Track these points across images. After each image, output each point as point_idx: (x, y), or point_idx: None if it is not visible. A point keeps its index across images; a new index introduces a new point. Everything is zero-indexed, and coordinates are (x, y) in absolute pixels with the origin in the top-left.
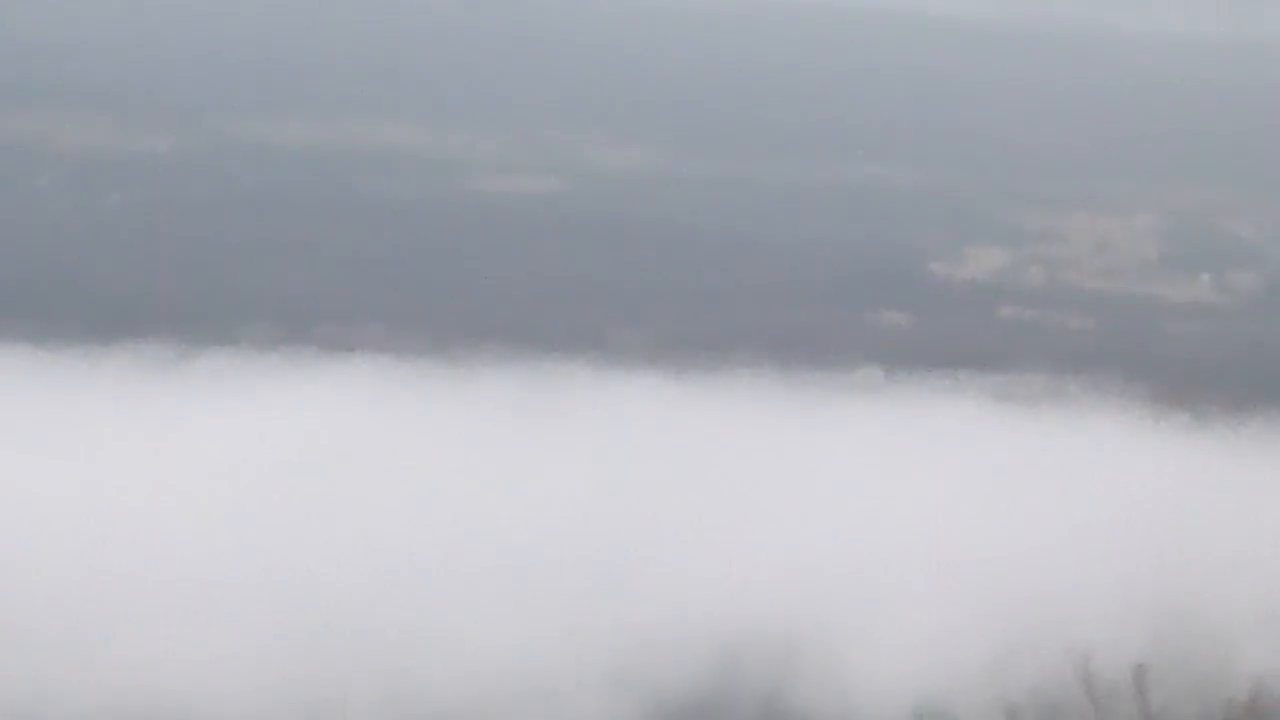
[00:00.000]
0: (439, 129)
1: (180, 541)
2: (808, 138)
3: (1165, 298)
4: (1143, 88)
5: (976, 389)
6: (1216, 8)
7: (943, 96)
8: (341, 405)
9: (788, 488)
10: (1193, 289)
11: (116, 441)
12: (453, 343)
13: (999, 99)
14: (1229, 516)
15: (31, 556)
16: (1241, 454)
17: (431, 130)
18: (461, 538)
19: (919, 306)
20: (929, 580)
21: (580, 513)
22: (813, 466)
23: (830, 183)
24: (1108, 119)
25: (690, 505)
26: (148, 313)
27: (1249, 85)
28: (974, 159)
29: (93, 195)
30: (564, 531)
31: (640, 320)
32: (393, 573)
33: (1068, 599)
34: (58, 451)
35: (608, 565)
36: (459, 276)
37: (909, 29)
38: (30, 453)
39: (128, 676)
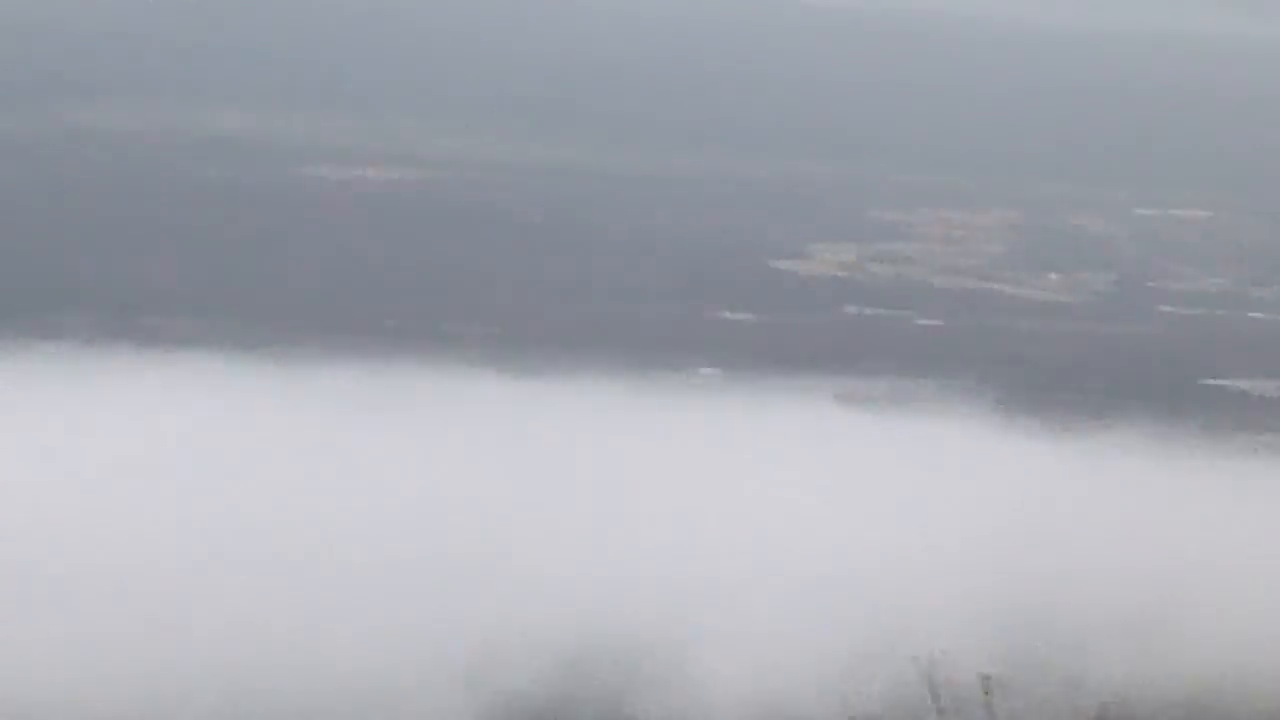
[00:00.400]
0: (280, 116)
1: (19, 536)
2: (654, 129)
3: (1017, 297)
4: (996, 81)
5: (822, 390)
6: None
7: (793, 88)
8: (171, 399)
9: (629, 489)
10: (1045, 288)
11: None
12: (289, 334)
13: (851, 92)
14: (1081, 521)
15: None
16: (1094, 456)
17: (272, 117)
18: (301, 535)
19: (762, 304)
20: (775, 585)
21: (422, 511)
22: (654, 468)
23: (676, 175)
24: (959, 113)
25: (532, 505)
26: None
27: (1105, 78)
28: (822, 152)
29: None
30: (406, 530)
31: (480, 314)
32: (229, 571)
33: (918, 607)
34: None
35: (451, 564)
36: (295, 266)
37: (761, 16)
38: None
39: None
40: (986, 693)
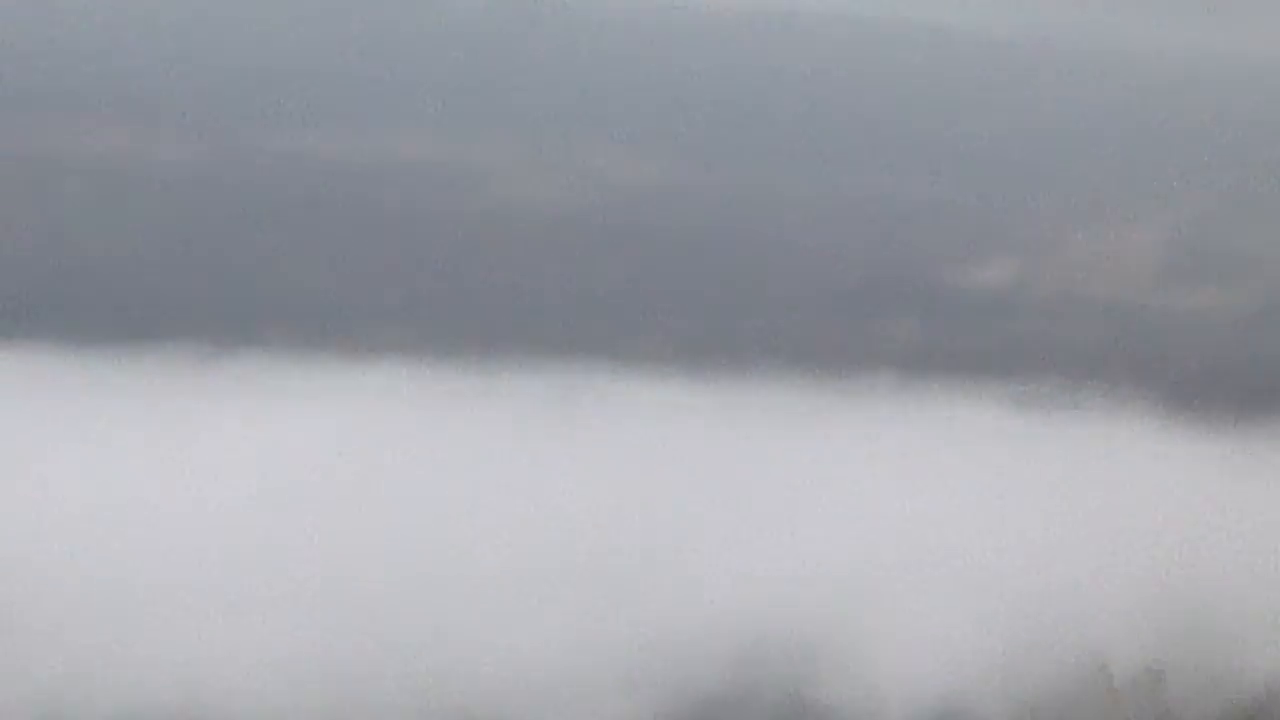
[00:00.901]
0: (461, 140)
1: (207, 543)
2: (821, 149)
3: (1173, 308)
4: (1148, 101)
5: (990, 395)
6: (1224, 22)
7: (953, 110)
8: (365, 409)
9: (804, 491)
10: (1200, 299)
11: (146, 443)
12: (473, 349)
13: (1009, 113)
14: (1239, 520)
15: (62, 557)
16: (1249, 459)
17: (453, 141)
18: (482, 540)
19: (932, 315)
20: (946, 581)
21: (598, 516)
22: (828, 471)
23: (843, 193)
24: (1114, 132)
25: (707, 509)
26: (176, 318)
27: (1251, 98)
28: (984, 172)
29: (121, 202)
30: (582, 534)
31: (656, 328)
32: (415, 575)
33: (1083, 601)
34: (89, 453)
35: (626, 568)
36: (480, 284)
37: (920, 42)
38: (62, 454)
39: (156, 675)
40: (1154, 684)
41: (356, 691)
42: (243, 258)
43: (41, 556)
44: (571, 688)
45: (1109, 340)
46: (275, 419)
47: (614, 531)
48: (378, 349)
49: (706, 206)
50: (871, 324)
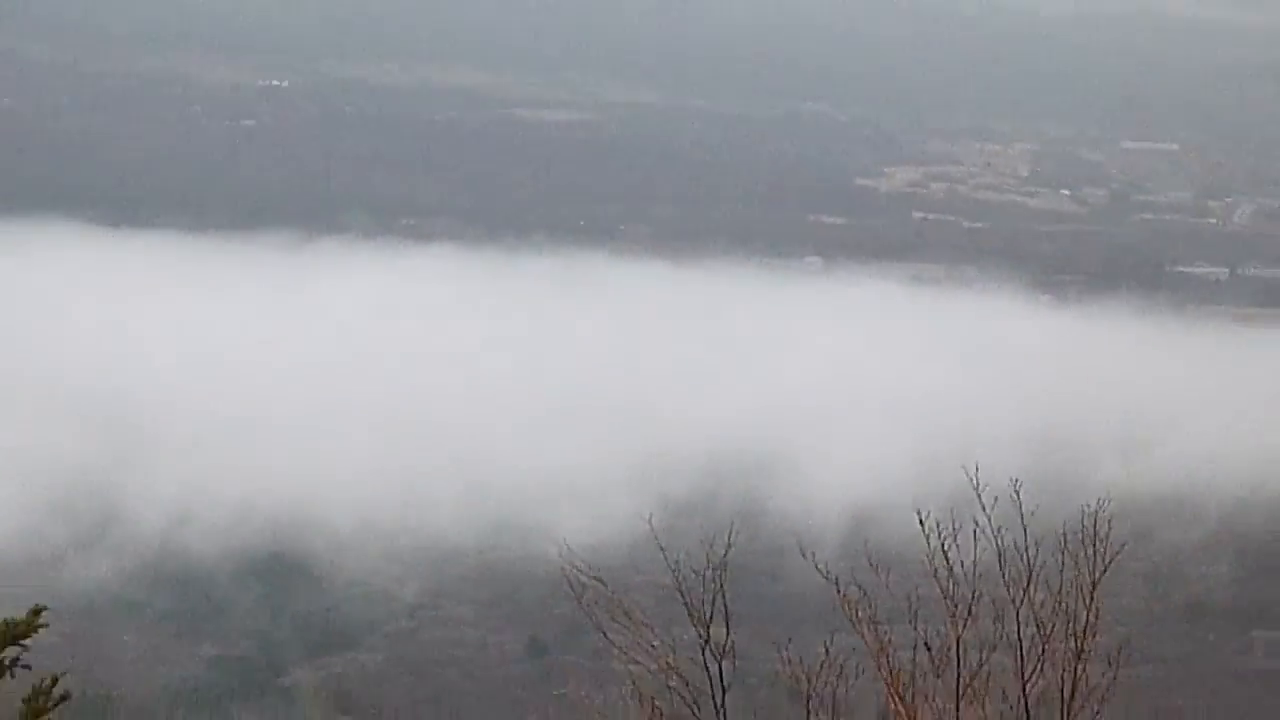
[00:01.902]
0: (493, 71)
1: (303, 382)
2: (771, 82)
3: (1037, 207)
4: (1025, 49)
5: (895, 274)
6: None
7: (869, 48)
8: (421, 279)
9: (756, 347)
10: (1057, 201)
11: (257, 306)
12: (505, 234)
13: (914, 51)
14: (1084, 368)
15: (193, 391)
16: (1092, 323)
17: (486, 72)
18: (514, 379)
19: (850, 211)
20: (864, 414)
21: (603, 362)
22: (775, 331)
23: (783, 116)
24: (997, 73)
25: (682, 360)
26: (276, 211)
27: (1115, 42)
28: (892, 97)
29: (232, 120)
30: (591, 376)
31: (644, 218)
32: (464, 405)
33: (967, 432)
34: (216, 313)
35: (625, 401)
36: (508, 185)
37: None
38: (195, 314)
39: (267, 485)
40: (1017, 492)
41: (423, 489)
42: (324, 164)
43: (177, 391)
44: (584, 488)
45: (988, 232)
46: (352, 289)
47: (615, 373)
48: (427, 235)
49: (683, 125)
50: (805, 218)
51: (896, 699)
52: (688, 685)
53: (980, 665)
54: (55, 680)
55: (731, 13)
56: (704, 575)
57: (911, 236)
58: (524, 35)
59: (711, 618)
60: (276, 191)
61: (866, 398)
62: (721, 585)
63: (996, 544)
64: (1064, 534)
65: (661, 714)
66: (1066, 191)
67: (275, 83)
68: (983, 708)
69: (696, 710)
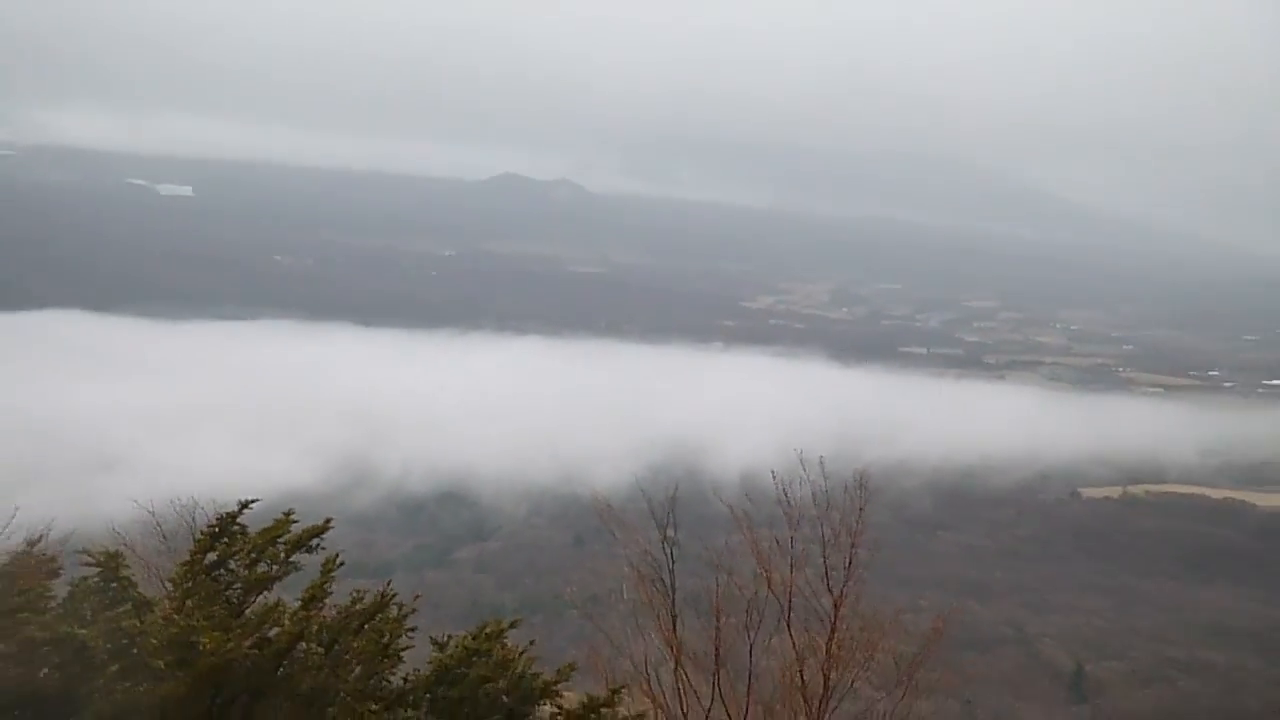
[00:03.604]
0: (557, 247)
1: (471, 401)
2: (700, 249)
3: (831, 317)
4: (828, 234)
5: (762, 351)
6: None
7: (751, 231)
8: (524, 353)
9: (692, 386)
10: (840, 314)
11: (441, 366)
12: (563, 330)
13: (773, 231)
14: (860, 400)
15: (421, 405)
16: (861, 377)
17: (553, 247)
18: (572, 399)
19: (738, 318)
20: (748, 425)
21: (615, 391)
22: (700, 378)
23: (706, 269)
24: (815, 244)
25: (655, 390)
26: (452, 318)
27: (873, 236)
28: (762, 259)
29: (426, 272)
30: (608, 398)
31: (634, 322)
32: (550, 413)
33: (799, 430)
34: (425, 372)
35: (626, 411)
36: (563, 305)
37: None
38: (415, 372)
39: (448, 452)
40: (821, 463)
41: (526, 462)
42: (471, 293)
43: (408, 408)
44: (605, 459)
45: (807, 330)
46: (490, 358)
47: (619, 399)
48: (525, 331)
49: (653, 275)
50: (716, 322)
51: (762, 566)
52: (654, 560)
53: (803, 549)
54: (337, 556)
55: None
56: (664, 505)
57: (770, 331)
58: (571, 226)
59: (668, 526)
60: (451, 309)
61: (749, 415)
62: (672, 511)
63: (811, 489)
64: (850, 482)
65: (641, 575)
66: (845, 309)
67: (448, 253)
68: (804, 571)
69: (660, 573)
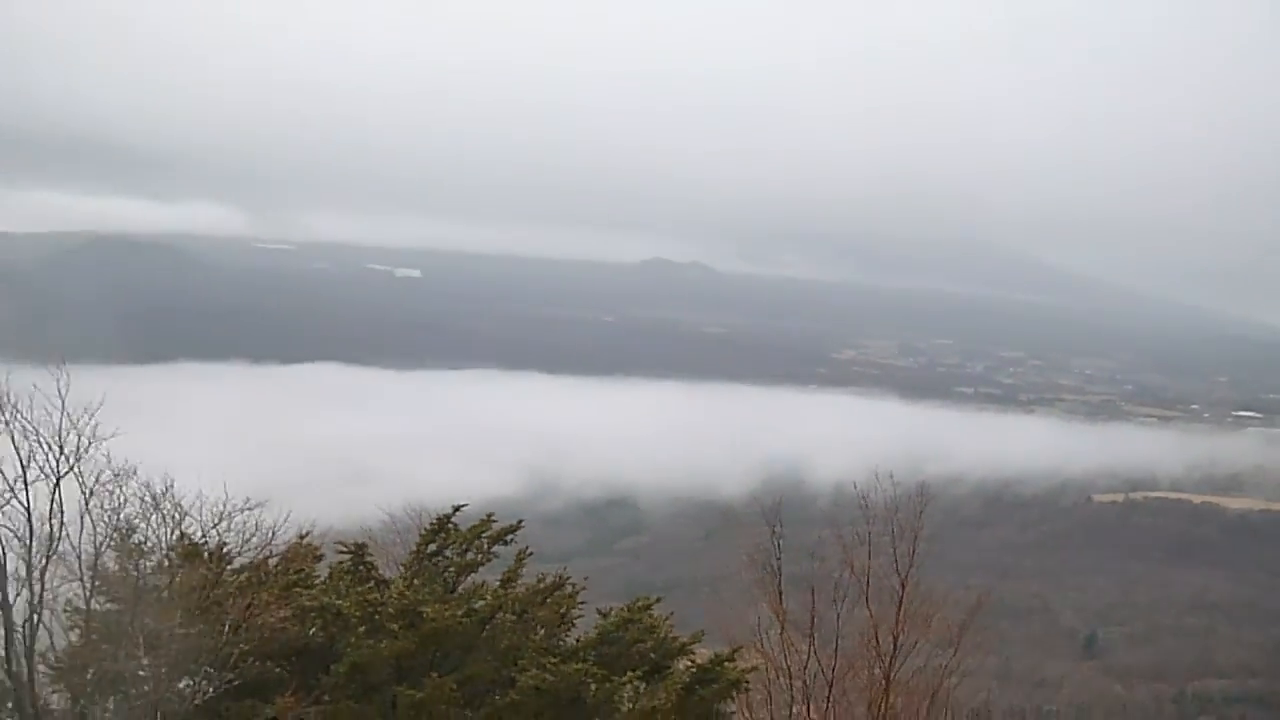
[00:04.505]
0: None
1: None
2: (795, 315)
3: (899, 365)
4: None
5: (844, 392)
6: None
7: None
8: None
9: (787, 417)
10: (904, 361)
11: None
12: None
13: (852, 299)
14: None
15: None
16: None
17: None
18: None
19: (827, 366)
20: (839, 442)
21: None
22: (794, 412)
23: (799, 329)
24: (889, 311)
25: (752, 424)
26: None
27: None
28: (840, 321)
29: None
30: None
31: (757, 370)
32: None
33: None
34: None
35: (737, 437)
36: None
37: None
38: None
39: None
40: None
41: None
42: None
43: (566, 436)
44: (724, 473)
45: (880, 375)
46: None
47: (717, 425)
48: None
49: (759, 337)
50: (812, 369)
51: (845, 554)
52: (765, 550)
53: (876, 542)
54: (526, 548)
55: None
56: (772, 508)
57: (851, 376)
58: (701, 298)
59: (775, 524)
60: (611, 361)
61: (836, 440)
62: (778, 512)
63: (883, 496)
64: (913, 491)
65: (755, 561)
66: (909, 359)
67: (608, 319)
68: (878, 559)
69: (769, 560)
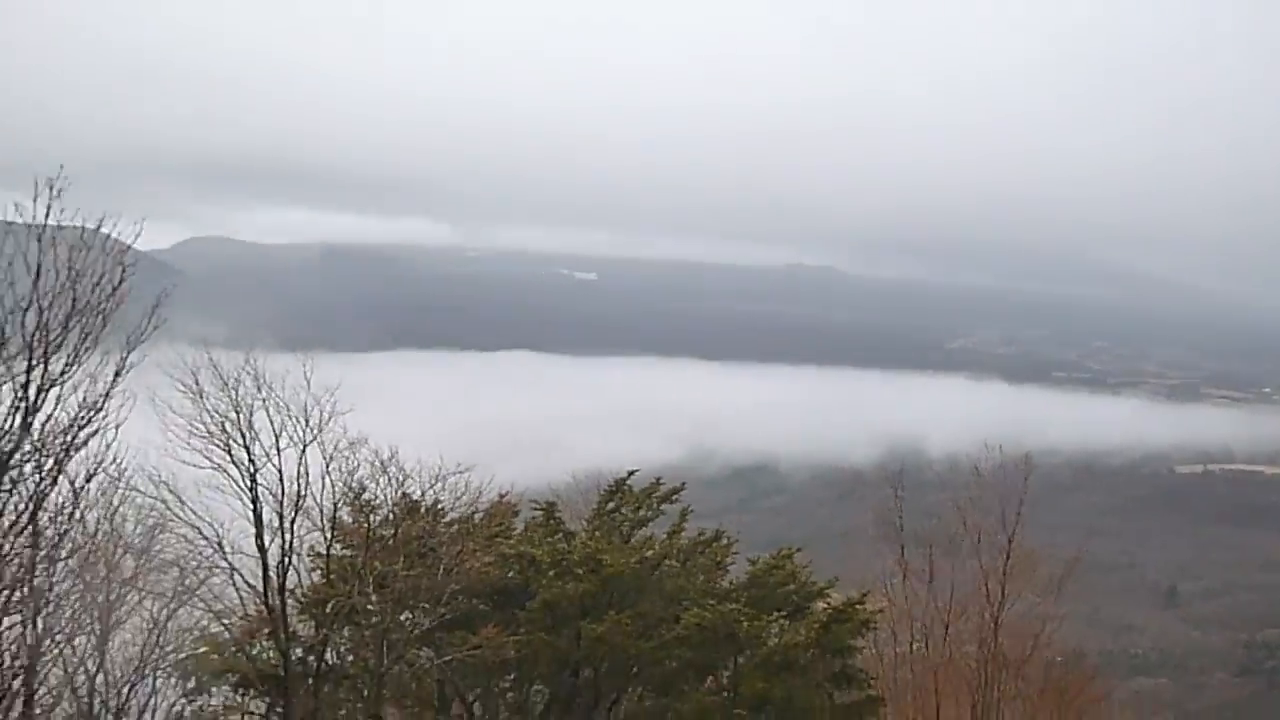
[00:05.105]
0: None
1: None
2: (923, 315)
3: (1003, 353)
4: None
5: (948, 375)
6: None
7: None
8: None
9: (894, 400)
10: (994, 348)
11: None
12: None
13: (947, 301)
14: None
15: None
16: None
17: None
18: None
19: (941, 354)
20: (947, 419)
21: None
22: (912, 394)
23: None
24: (991, 308)
25: (863, 401)
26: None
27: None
28: (957, 316)
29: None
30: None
31: (884, 356)
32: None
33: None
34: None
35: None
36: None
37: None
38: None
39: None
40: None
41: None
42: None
43: (721, 411)
44: (853, 442)
45: (987, 361)
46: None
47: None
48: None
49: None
50: (927, 355)
51: (959, 513)
52: (889, 509)
53: (986, 503)
54: (689, 506)
55: (909, 291)
56: (895, 474)
57: (962, 362)
58: (835, 297)
59: (898, 487)
60: (759, 349)
61: (950, 416)
62: (900, 476)
63: (991, 464)
64: (1018, 460)
65: (881, 518)
66: (1012, 348)
67: (758, 313)
68: (987, 518)
69: (892, 518)
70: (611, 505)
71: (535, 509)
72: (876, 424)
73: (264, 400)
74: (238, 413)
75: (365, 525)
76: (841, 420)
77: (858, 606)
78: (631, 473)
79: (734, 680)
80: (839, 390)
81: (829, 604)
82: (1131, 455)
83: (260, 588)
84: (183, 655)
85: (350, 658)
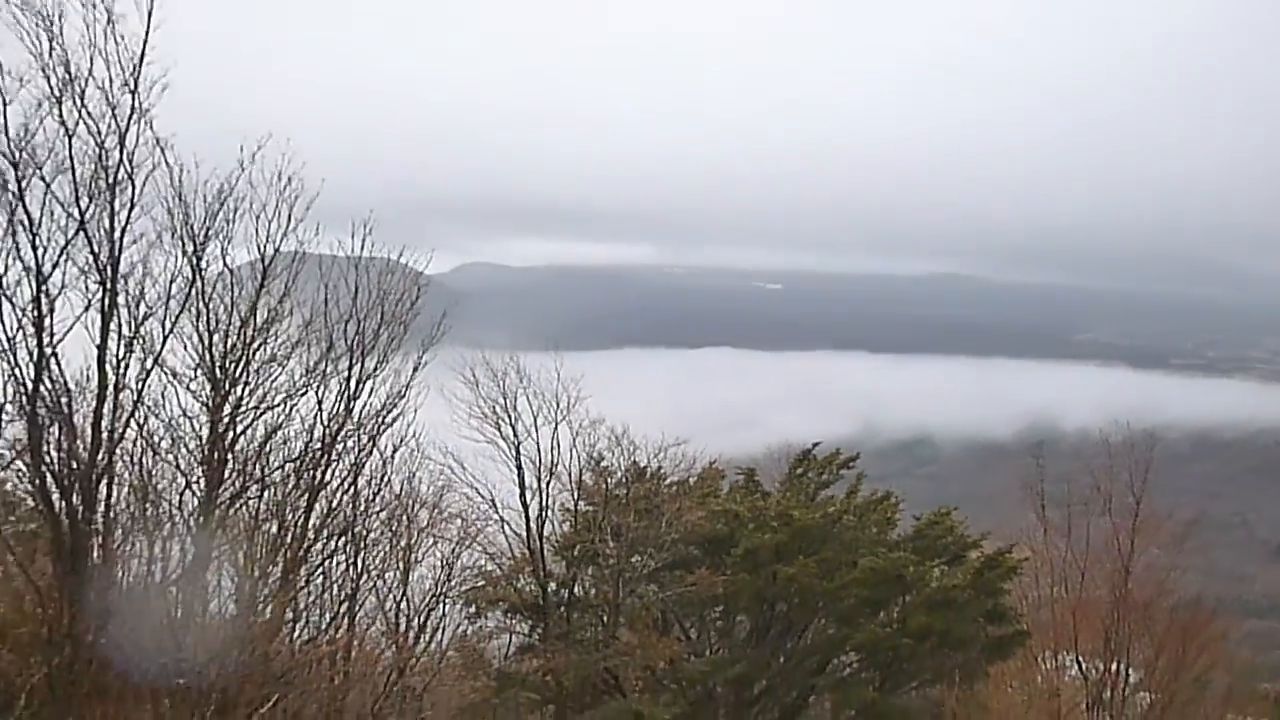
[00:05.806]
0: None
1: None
2: (1049, 316)
3: (1127, 346)
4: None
5: (1077, 363)
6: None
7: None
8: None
9: (1036, 378)
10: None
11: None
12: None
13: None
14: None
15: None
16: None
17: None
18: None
19: (1066, 346)
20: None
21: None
22: (1047, 373)
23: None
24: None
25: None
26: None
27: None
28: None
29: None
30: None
31: (991, 347)
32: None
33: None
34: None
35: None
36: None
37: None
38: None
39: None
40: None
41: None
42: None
43: (884, 394)
44: (996, 419)
45: (1112, 350)
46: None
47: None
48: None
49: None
50: (1055, 346)
51: (1094, 478)
52: (1031, 474)
53: (1115, 470)
54: (861, 473)
55: (1036, 292)
56: (1035, 446)
57: (1090, 351)
58: (968, 298)
59: (1039, 457)
60: (915, 344)
61: (1081, 398)
62: (1040, 447)
63: (1121, 437)
64: (1143, 435)
65: (1024, 484)
66: (1133, 340)
67: (914, 317)
68: (1115, 482)
69: (1034, 482)
70: (800, 471)
71: (738, 474)
72: (1016, 405)
73: (524, 389)
74: (505, 399)
75: (603, 487)
76: (986, 402)
77: (1006, 555)
78: (815, 445)
79: (902, 615)
80: (984, 377)
81: (982, 553)
82: (1244, 430)
83: (524, 535)
84: (466, 587)
85: (593, 591)
